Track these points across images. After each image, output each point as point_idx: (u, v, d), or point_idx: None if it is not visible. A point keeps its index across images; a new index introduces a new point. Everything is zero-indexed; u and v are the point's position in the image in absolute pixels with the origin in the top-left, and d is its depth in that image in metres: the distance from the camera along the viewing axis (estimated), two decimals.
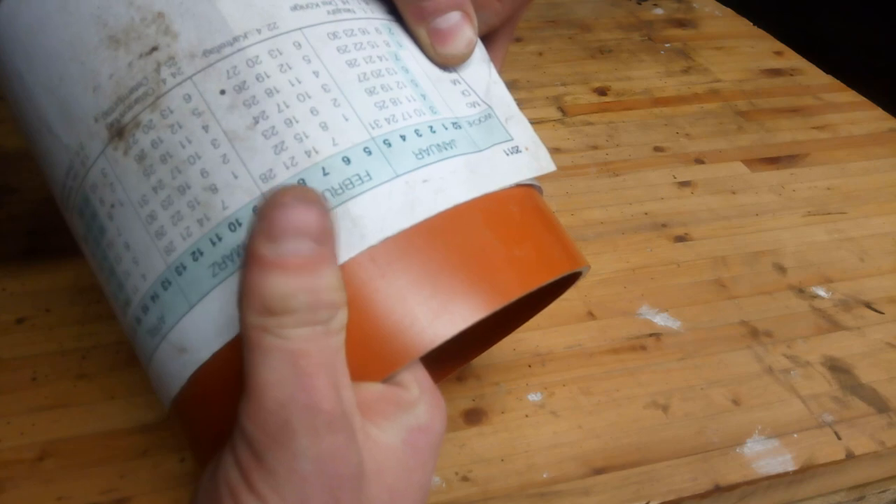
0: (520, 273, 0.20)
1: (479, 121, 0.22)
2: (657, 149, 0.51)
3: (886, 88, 0.60)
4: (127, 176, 0.20)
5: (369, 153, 0.19)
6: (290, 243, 0.16)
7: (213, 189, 0.19)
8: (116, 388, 0.32)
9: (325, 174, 0.19)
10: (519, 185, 0.22)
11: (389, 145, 0.19)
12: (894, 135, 0.54)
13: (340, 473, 0.17)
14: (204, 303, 0.19)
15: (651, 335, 0.37)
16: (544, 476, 0.30)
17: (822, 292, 0.40)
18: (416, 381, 0.19)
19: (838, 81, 0.61)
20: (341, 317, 0.17)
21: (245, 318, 0.17)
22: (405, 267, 0.18)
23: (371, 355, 0.18)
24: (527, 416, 0.33)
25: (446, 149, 0.20)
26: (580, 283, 0.39)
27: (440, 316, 0.18)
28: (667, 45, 0.64)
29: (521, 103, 0.54)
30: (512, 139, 0.22)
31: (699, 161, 0.50)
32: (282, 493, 0.16)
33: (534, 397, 0.33)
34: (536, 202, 0.22)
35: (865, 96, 0.59)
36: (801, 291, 0.40)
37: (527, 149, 0.22)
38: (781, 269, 0.42)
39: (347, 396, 0.17)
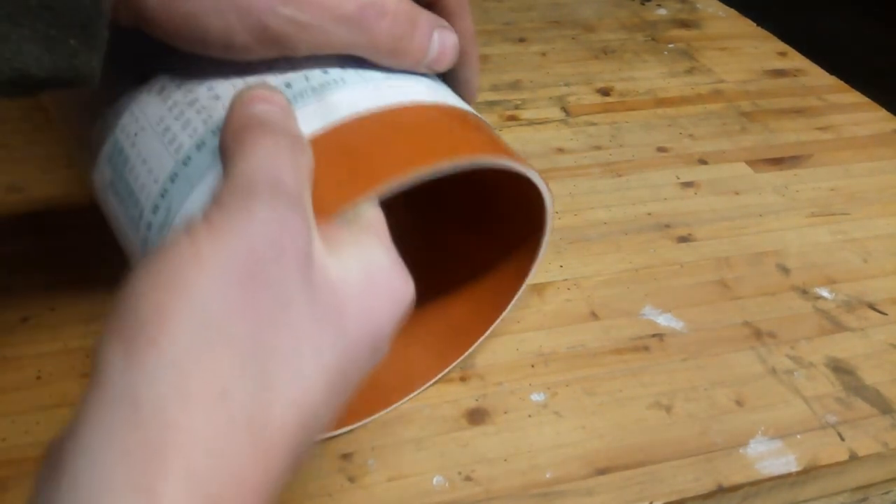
0: (471, 146, 0.24)
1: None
2: (660, 149, 0.51)
3: (890, 90, 0.60)
4: (149, 107, 0.24)
5: (344, 67, 0.24)
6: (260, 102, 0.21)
7: (217, 97, 0.23)
8: None
9: (307, 80, 0.23)
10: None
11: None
12: None
13: (287, 244, 0.18)
14: (204, 180, 0.22)
15: (654, 336, 0.37)
16: (547, 476, 0.30)
17: (825, 293, 0.40)
18: (379, 237, 0.21)
19: (842, 82, 0.60)
20: (309, 152, 0.21)
21: (229, 113, 0.21)
22: (367, 132, 0.23)
23: (347, 177, 0.21)
24: (530, 416, 0.33)
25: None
26: (584, 284, 0.39)
27: (398, 157, 0.22)
28: (670, 45, 0.64)
29: (524, 103, 0.54)
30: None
31: (703, 162, 0.50)
32: (234, 228, 0.18)
33: (537, 397, 0.33)
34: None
35: (869, 97, 0.59)
36: (804, 292, 0.40)
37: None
38: (785, 269, 0.42)
39: (308, 200, 0.20)
